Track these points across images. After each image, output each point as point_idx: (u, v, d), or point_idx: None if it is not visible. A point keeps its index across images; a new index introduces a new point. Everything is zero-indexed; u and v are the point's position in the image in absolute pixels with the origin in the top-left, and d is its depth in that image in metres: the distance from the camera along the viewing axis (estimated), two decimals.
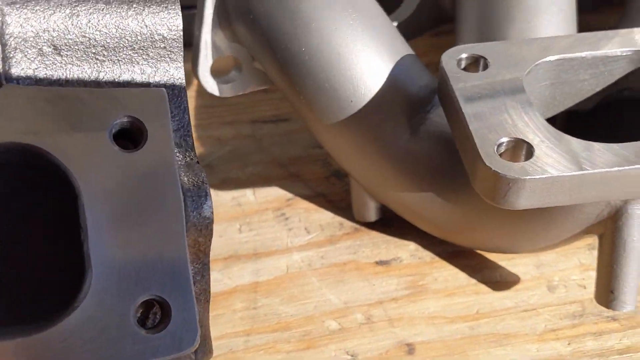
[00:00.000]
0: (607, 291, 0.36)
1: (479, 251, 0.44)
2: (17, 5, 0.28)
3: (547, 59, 0.37)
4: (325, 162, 0.51)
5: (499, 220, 0.38)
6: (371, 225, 0.46)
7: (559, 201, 0.31)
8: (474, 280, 0.42)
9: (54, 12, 0.28)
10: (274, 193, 0.49)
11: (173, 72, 0.31)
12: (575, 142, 0.32)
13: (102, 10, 0.29)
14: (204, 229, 0.28)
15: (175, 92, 0.31)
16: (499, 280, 0.42)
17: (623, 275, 0.35)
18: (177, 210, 0.27)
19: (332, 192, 0.49)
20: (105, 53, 0.29)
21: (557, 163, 0.31)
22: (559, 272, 0.42)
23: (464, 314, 0.40)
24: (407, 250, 0.44)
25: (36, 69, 0.28)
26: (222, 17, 0.45)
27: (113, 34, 0.29)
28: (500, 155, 0.32)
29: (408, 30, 0.49)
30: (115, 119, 0.27)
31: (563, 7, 0.44)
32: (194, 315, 0.25)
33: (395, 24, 0.49)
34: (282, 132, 0.54)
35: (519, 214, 0.36)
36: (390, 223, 0.45)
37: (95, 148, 0.26)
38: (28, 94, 0.26)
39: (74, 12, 0.28)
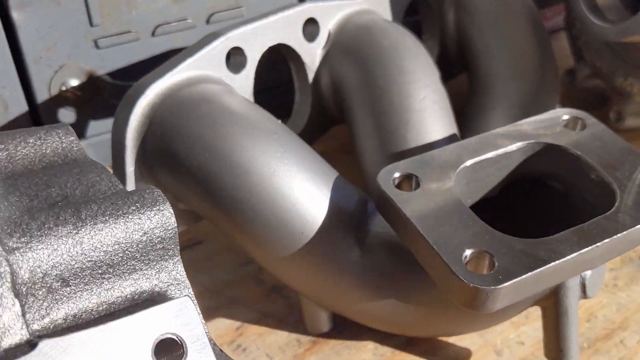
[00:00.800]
0: (556, 349, 0.43)
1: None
2: (22, 250, 0.26)
3: (465, 164, 0.42)
4: (259, 280, 0.52)
5: (461, 313, 0.43)
6: (327, 335, 0.48)
7: (526, 294, 0.37)
8: None
9: (58, 246, 0.27)
10: (221, 325, 0.49)
11: (172, 267, 0.31)
12: (518, 242, 0.38)
13: (102, 230, 0.28)
14: None
15: (179, 287, 0.31)
16: (454, 358, 0.47)
17: (568, 336, 0.42)
18: None
19: (277, 310, 0.50)
20: (111, 270, 0.29)
21: (519, 265, 0.36)
22: (498, 335, 0.48)
23: None
24: (368, 350, 0.47)
25: (47, 307, 0.27)
26: (144, 169, 0.45)
27: (116, 250, 0.29)
28: (466, 266, 0.36)
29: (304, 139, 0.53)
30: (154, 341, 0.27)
31: (443, 105, 0.51)
32: None
33: None
34: (203, 257, 0.55)
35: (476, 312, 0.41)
36: (343, 328, 0.48)
37: None
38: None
39: (76, 240, 0.28)
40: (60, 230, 0.28)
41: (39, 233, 0.27)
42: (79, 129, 0.59)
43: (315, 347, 0.48)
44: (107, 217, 0.29)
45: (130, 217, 0.29)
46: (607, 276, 0.52)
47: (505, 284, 0.35)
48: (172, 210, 0.31)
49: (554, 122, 0.46)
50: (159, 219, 0.30)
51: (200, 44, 0.47)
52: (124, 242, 0.29)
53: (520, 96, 0.56)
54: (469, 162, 0.43)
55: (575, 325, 0.42)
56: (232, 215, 0.42)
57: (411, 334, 0.47)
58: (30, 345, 0.25)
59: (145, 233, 0.30)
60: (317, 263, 0.43)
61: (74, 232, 0.28)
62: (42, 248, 0.27)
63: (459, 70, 0.66)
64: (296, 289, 0.45)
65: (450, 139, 0.49)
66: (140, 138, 0.44)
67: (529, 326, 0.49)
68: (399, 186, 0.41)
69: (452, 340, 0.48)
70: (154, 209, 0.30)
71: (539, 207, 0.48)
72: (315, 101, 0.55)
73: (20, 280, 0.26)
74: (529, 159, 0.45)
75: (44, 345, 0.25)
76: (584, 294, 0.42)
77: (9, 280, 0.26)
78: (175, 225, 0.31)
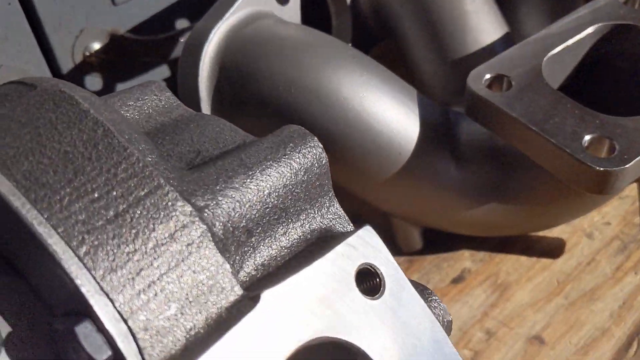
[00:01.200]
0: None
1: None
2: (210, 208, 0.25)
3: (548, 56, 0.42)
4: None
5: (561, 205, 0.43)
6: (420, 252, 0.48)
7: None
8: (534, 259, 0.47)
9: (239, 198, 0.26)
10: None
11: (329, 203, 0.30)
12: (629, 121, 0.38)
13: (271, 175, 0.27)
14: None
15: (341, 221, 0.30)
16: (552, 249, 0.48)
17: None
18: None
19: None
20: (284, 214, 0.28)
21: (638, 143, 0.36)
22: (584, 220, 0.49)
23: (552, 290, 0.45)
24: (465, 258, 0.48)
25: (240, 260, 0.26)
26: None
27: (286, 193, 0.28)
28: (588, 152, 0.37)
29: None
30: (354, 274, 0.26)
31: (492, 3, 0.50)
32: None
33: None
34: None
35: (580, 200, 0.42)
36: (434, 244, 0.48)
37: (363, 311, 0.26)
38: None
39: (251, 188, 0.26)
40: (235, 182, 0.26)
41: (218, 188, 0.26)
42: (108, 93, 0.56)
43: (414, 266, 0.48)
44: (271, 162, 0.27)
45: (290, 157, 0.28)
46: None
47: (632, 163, 0.35)
48: (321, 144, 0.29)
49: (614, 2, 0.46)
50: (314, 155, 0.29)
51: None
52: (290, 183, 0.28)
53: None
54: (551, 53, 0.42)
55: None
56: (327, 149, 0.41)
57: (508, 233, 0.47)
58: (251, 299, 0.24)
59: (306, 171, 0.28)
60: (417, 181, 0.42)
61: (248, 181, 0.26)
62: (228, 202, 0.25)
63: None
64: (394, 211, 0.45)
65: (507, 38, 0.49)
66: (212, 87, 0.42)
67: (610, 206, 0.50)
68: (490, 87, 0.41)
69: (542, 234, 0.49)
70: (307, 145, 0.29)
71: (604, 89, 0.48)
72: (355, 22, 0.54)
73: (216, 238, 0.25)
74: (598, 42, 0.45)
75: (267, 295, 0.24)
76: None
77: (210, 239, 0.24)
78: (327, 158, 0.29)
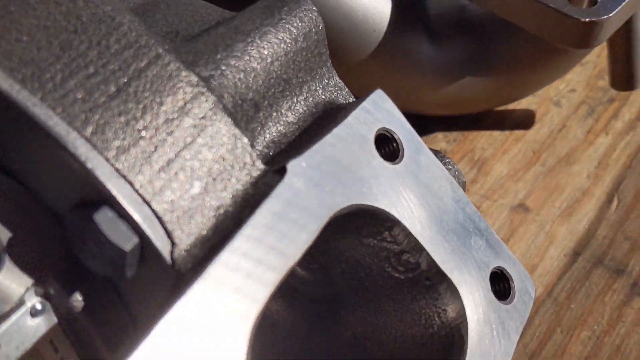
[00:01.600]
0: (624, 77, 0.44)
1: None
2: (216, 77, 0.22)
3: None
4: None
5: (540, 69, 0.43)
6: None
7: (623, 20, 0.37)
8: (507, 132, 0.47)
9: (243, 67, 0.23)
10: None
11: (328, 74, 0.28)
12: None
13: (271, 41, 0.25)
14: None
15: (342, 93, 0.28)
16: (523, 120, 0.48)
17: (637, 61, 0.43)
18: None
19: None
20: (287, 86, 0.25)
21: None
22: (549, 90, 0.49)
23: (529, 159, 0.45)
24: (439, 140, 0.47)
25: (250, 137, 0.24)
26: None
27: (288, 62, 0.25)
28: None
29: None
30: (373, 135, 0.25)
31: None
32: None
33: None
34: None
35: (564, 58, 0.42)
36: None
37: (388, 176, 0.24)
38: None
39: (253, 56, 0.24)
40: (236, 49, 0.23)
41: (219, 57, 0.23)
42: None
43: None
44: (268, 27, 0.25)
45: (288, 22, 0.25)
46: None
47: (616, 10, 0.35)
48: (316, 8, 0.27)
49: None
50: (311, 19, 0.26)
51: None
52: (292, 51, 0.25)
53: None
54: None
55: None
56: None
57: (482, 107, 0.47)
58: (276, 172, 0.22)
59: (305, 37, 0.26)
60: (392, 59, 0.41)
61: (249, 48, 0.24)
62: (232, 72, 0.23)
63: None
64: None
65: None
66: None
67: (573, 74, 0.50)
68: None
69: (511, 107, 0.49)
70: (302, 8, 0.26)
71: None
72: None
73: (227, 112, 0.22)
74: None
75: (293, 166, 0.22)
76: None
77: (223, 110, 0.22)
78: (323, 23, 0.27)
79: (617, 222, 0.42)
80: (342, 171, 0.23)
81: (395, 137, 0.26)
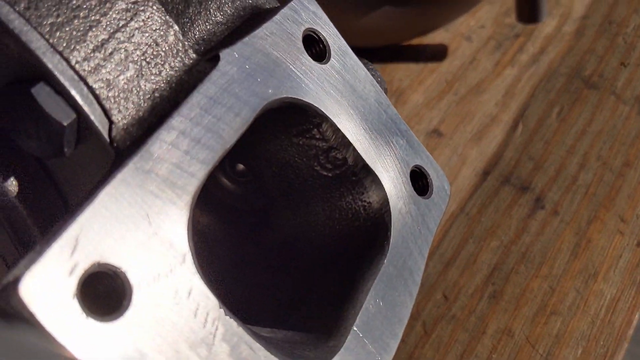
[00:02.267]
0: (530, 10, 0.47)
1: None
2: None
3: None
4: None
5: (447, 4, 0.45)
6: None
7: None
8: (422, 64, 0.49)
9: None
10: None
11: None
12: None
13: None
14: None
15: None
16: (436, 53, 0.50)
17: None
18: None
19: None
20: None
21: None
22: (460, 26, 0.52)
23: (442, 89, 0.48)
24: None
25: (182, 31, 0.24)
26: None
27: None
28: None
29: None
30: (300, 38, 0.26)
31: None
32: None
33: None
34: None
35: None
36: None
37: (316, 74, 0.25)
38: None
39: None
40: None
41: None
42: None
43: None
44: None
45: None
46: None
47: None
48: None
49: None
50: None
51: None
52: None
53: None
54: None
55: None
56: None
57: (400, 39, 0.48)
58: (209, 61, 0.22)
59: None
60: None
61: None
62: None
63: None
64: None
65: None
66: None
67: (482, 11, 0.53)
68: None
69: (426, 41, 0.51)
70: None
71: None
72: None
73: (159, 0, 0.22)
74: None
75: (226, 54, 0.22)
76: None
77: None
78: None
79: (521, 144, 0.45)
80: (273, 65, 0.24)
81: (322, 38, 0.27)
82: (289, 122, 0.26)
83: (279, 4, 0.29)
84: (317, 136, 0.26)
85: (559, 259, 0.39)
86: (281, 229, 0.30)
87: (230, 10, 0.27)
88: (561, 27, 0.52)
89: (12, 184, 0.21)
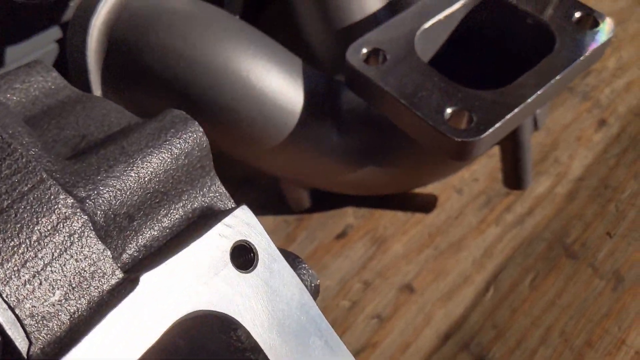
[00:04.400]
0: (515, 178, 0.49)
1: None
2: (92, 198, 0.27)
3: (422, 28, 0.45)
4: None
5: (432, 167, 0.48)
6: (309, 210, 0.52)
7: (499, 137, 0.42)
8: (409, 214, 0.52)
9: (120, 186, 0.28)
10: None
11: (210, 182, 0.32)
12: (488, 94, 0.42)
13: (151, 161, 0.29)
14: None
15: (222, 198, 0.33)
16: (425, 204, 0.53)
17: (525, 165, 0.48)
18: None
19: (255, 198, 0.53)
20: (165, 197, 0.30)
21: (493, 115, 0.41)
22: (454, 178, 0.54)
23: (423, 242, 0.50)
24: (349, 215, 0.52)
25: (122, 244, 0.28)
26: (110, 91, 0.44)
27: (167, 178, 0.30)
28: (449, 124, 0.41)
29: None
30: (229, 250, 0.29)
31: None
32: None
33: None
34: None
35: (449, 162, 0.46)
36: (322, 202, 0.52)
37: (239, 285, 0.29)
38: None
39: (133, 176, 0.28)
40: (116, 171, 0.28)
41: (99, 178, 0.28)
42: None
43: (303, 224, 0.51)
44: (151, 149, 0.29)
45: (172, 144, 0.30)
46: None
47: (486, 133, 0.40)
48: (202, 128, 0.32)
49: None
50: (195, 139, 0.31)
51: None
52: (171, 168, 0.30)
53: None
54: (423, 27, 0.46)
55: (529, 155, 0.48)
56: (216, 121, 0.43)
57: (386, 192, 0.51)
58: (131, 281, 0.26)
59: (187, 155, 0.31)
60: (302, 148, 0.45)
61: (129, 169, 0.28)
62: (109, 191, 0.27)
63: None
64: (283, 176, 0.48)
65: (391, 6, 0.52)
66: (102, 61, 0.42)
67: (478, 164, 0.55)
68: (367, 61, 0.44)
69: (417, 191, 0.53)
70: (188, 130, 0.31)
71: (477, 60, 0.52)
72: None
73: (98, 226, 0.27)
74: (469, 14, 0.49)
75: (146, 277, 0.26)
76: (535, 127, 0.48)
77: (91, 228, 0.26)
78: (208, 141, 0.32)
79: (489, 309, 0.46)
80: (194, 281, 0.28)
81: (253, 247, 0.30)
82: (213, 323, 0.30)
83: (231, 202, 0.33)
84: (234, 338, 0.30)
85: None
86: None
87: (179, 214, 0.31)
88: (554, 187, 0.54)
89: None
